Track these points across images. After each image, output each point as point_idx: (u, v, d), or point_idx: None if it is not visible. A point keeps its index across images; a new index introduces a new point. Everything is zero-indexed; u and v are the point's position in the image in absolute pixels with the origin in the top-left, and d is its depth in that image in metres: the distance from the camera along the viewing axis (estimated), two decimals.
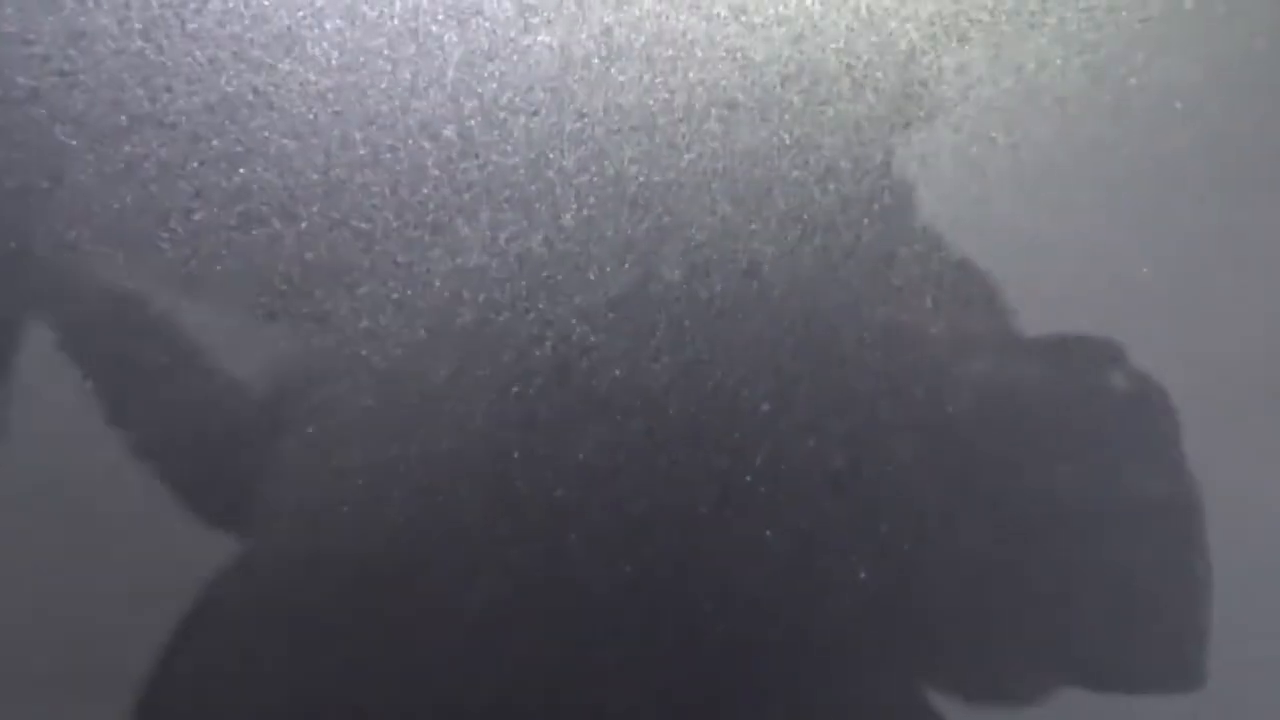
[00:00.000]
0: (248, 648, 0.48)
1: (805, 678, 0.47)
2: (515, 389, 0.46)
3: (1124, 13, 0.47)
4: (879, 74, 0.47)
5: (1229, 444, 0.48)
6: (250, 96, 0.48)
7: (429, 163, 0.48)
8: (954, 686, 0.49)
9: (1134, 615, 0.49)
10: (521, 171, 0.47)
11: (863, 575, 0.47)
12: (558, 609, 0.47)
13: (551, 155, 0.47)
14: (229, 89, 0.48)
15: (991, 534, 0.47)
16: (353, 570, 0.47)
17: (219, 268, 0.47)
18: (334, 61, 0.48)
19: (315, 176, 0.48)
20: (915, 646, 0.48)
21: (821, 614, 0.47)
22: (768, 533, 0.47)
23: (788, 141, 0.47)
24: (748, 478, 0.45)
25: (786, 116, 0.47)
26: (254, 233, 0.48)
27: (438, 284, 0.47)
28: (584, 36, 0.48)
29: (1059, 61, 0.48)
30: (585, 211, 0.47)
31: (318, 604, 0.46)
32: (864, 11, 0.48)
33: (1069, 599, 0.48)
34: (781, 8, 0.47)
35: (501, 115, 0.47)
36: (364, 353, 0.47)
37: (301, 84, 0.48)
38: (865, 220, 0.46)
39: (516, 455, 0.46)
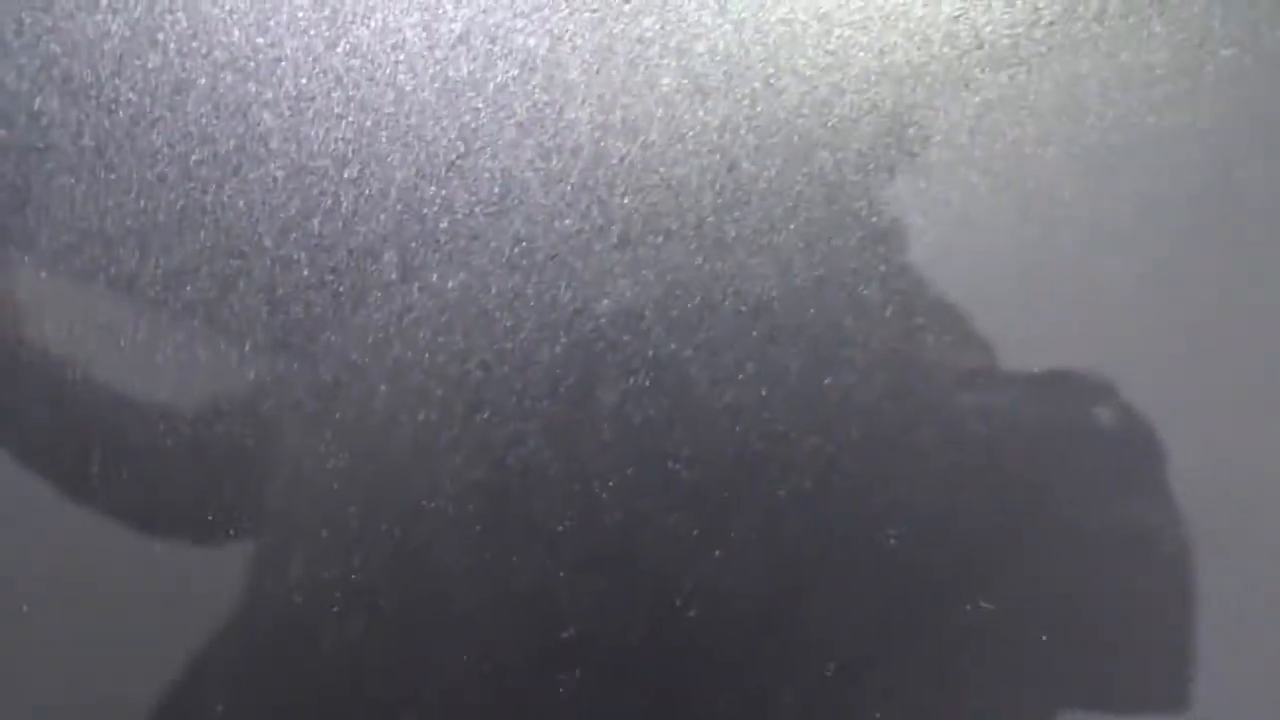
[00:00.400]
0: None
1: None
2: (450, 510, 0.47)
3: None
4: (811, 207, 0.48)
5: (1218, 474, 0.50)
6: (197, 215, 0.49)
7: (370, 285, 0.49)
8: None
9: (1121, 643, 0.51)
10: (459, 296, 0.48)
11: (848, 626, 0.48)
12: None
13: (490, 279, 0.48)
14: (176, 207, 0.49)
15: (977, 565, 0.49)
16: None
17: (160, 385, 0.49)
18: (279, 182, 0.49)
19: (260, 295, 0.49)
20: (904, 679, 0.49)
21: (805, 659, 0.48)
22: (708, 653, 0.48)
23: (721, 269, 0.48)
24: (677, 601, 0.46)
25: (720, 244, 0.48)
26: (199, 350, 0.49)
27: (377, 405, 0.48)
28: (523, 161, 0.49)
29: (988, 192, 0.49)
30: (521, 335, 0.48)
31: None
32: (796, 140, 0.49)
33: (1057, 628, 0.50)
34: (716, 137, 0.49)
35: (441, 239, 0.49)
36: (303, 471, 0.48)
37: (246, 204, 0.49)
38: (794, 349, 0.47)
39: (453, 578, 0.47)
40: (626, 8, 0.50)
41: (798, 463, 0.47)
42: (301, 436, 0.48)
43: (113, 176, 0.50)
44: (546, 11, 0.50)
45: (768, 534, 0.48)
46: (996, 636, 0.49)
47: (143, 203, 0.49)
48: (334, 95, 0.50)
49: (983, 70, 0.50)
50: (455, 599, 0.48)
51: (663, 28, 0.50)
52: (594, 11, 0.50)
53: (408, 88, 0.49)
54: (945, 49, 0.50)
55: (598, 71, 0.49)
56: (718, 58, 0.49)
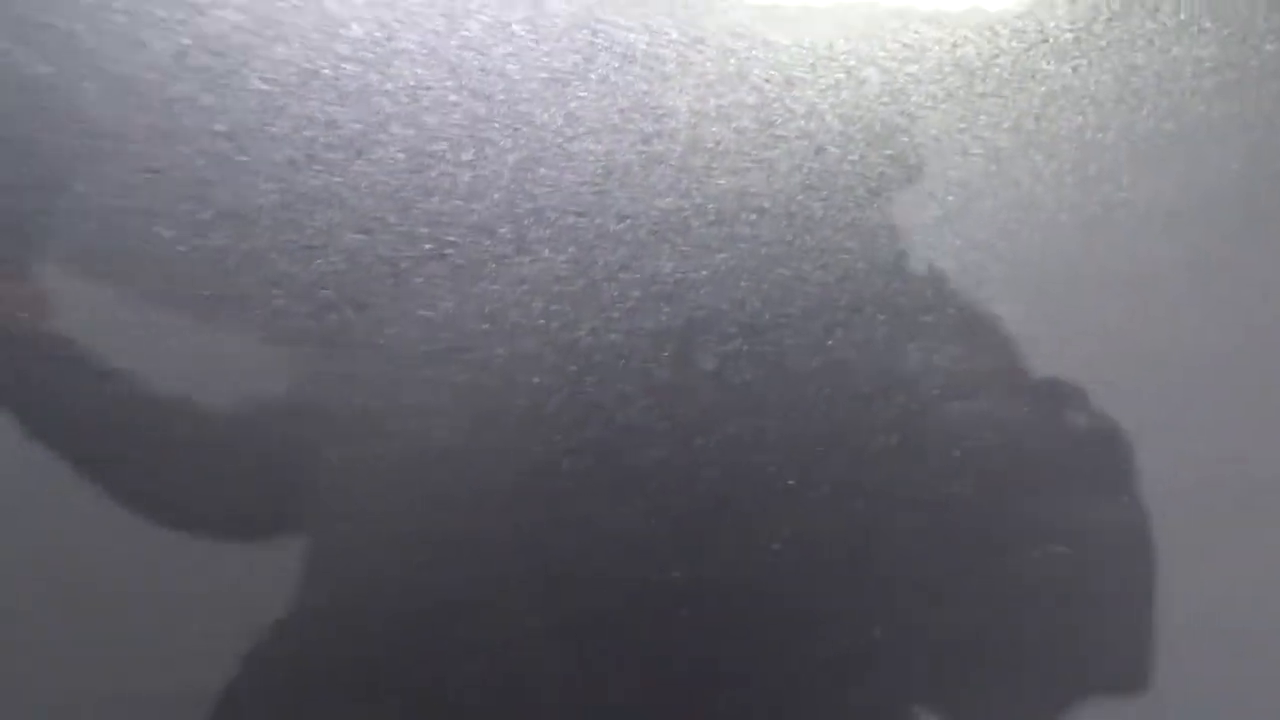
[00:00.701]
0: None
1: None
2: (565, 464, 0.52)
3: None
4: (891, 185, 0.53)
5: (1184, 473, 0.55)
6: (324, 194, 0.54)
7: (486, 258, 0.53)
8: (943, 705, 0.56)
9: (1094, 627, 0.56)
10: (570, 267, 0.53)
11: (863, 605, 0.53)
12: (582, 684, 0.53)
13: (597, 253, 0.53)
14: (305, 187, 0.54)
15: (966, 559, 0.54)
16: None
17: (294, 352, 0.53)
18: (400, 164, 0.54)
19: (384, 269, 0.53)
20: (908, 668, 0.54)
21: (822, 646, 0.53)
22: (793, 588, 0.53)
23: (810, 244, 0.52)
24: (775, 546, 0.51)
25: (809, 221, 0.53)
26: (329, 319, 0.53)
27: (496, 369, 0.52)
28: (625, 145, 0.53)
29: (1051, 175, 0.53)
30: (627, 304, 0.52)
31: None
32: (878, 126, 0.53)
33: (1040, 615, 0.55)
34: (803, 123, 0.53)
35: (552, 215, 0.53)
36: (426, 430, 0.53)
37: (371, 184, 0.54)
38: (880, 317, 0.52)
39: (561, 530, 0.51)
40: (719, 3, 0.54)
41: (882, 423, 0.52)
42: (422, 398, 0.53)
43: (244, 159, 0.54)
44: (644, 7, 0.54)
45: (853, 486, 0.52)
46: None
47: (273, 184, 0.53)
48: (449, 84, 0.54)
49: (1047, 62, 0.54)
50: (566, 546, 0.52)
51: (752, 21, 0.54)
52: (688, 7, 0.54)
53: (517, 77, 0.54)
54: (1013, 43, 0.54)
55: (692, 62, 0.54)
56: (804, 49, 0.54)
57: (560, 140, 0.53)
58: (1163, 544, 0.55)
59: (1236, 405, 0.56)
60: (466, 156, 0.53)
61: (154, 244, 0.53)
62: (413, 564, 0.52)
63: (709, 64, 0.54)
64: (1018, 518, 0.54)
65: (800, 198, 0.53)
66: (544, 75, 0.54)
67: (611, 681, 0.53)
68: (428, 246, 0.53)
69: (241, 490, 0.54)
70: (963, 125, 0.53)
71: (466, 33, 0.54)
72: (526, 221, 0.53)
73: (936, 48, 0.54)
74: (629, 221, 0.52)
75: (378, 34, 0.54)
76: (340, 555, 0.53)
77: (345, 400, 0.53)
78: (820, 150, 0.53)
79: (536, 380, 0.52)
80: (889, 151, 0.53)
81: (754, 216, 0.52)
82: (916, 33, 0.54)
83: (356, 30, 0.54)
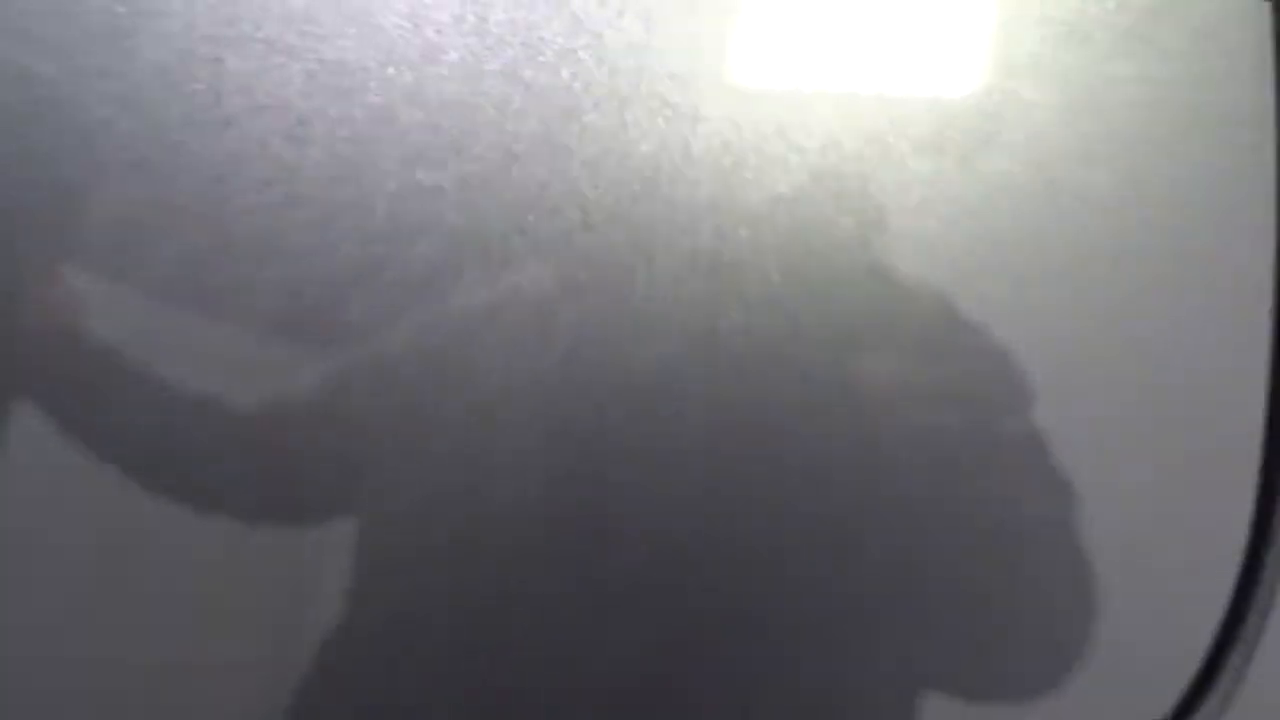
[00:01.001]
0: None
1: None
2: (611, 414, 0.65)
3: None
4: (886, 176, 0.66)
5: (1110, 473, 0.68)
6: (430, 186, 0.67)
7: (558, 234, 0.67)
8: (906, 682, 0.69)
9: (1032, 610, 0.69)
10: (626, 243, 0.66)
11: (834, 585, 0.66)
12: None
13: (647, 231, 0.66)
14: (414, 181, 0.67)
15: (921, 550, 0.67)
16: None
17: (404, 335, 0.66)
18: (491, 162, 0.67)
19: (477, 244, 0.67)
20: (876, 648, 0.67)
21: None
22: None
23: (817, 227, 0.66)
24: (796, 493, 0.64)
25: (818, 208, 0.66)
26: (433, 286, 0.67)
27: (565, 338, 0.66)
28: (671, 146, 0.67)
29: (1007, 172, 0.67)
30: (672, 280, 0.66)
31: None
32: (874, 130, 0.67)
33: (989, 599, 0.68)
34: (818, 130, 0.67)
35: (610, 201, 0.66)
36: (506, 389, 0.66)
37: (466, 177, 0.67)
38: (877, 284, 0.65)
39: (607, 486, 0.65)
40: (751, 36, 0.68)
41: (887, 382, 0.65)
42: (505, 351, 0.66)
43: (363, 159, 0.67)
44: (689, 36, 0.68)
45: (859, 433, 0.66)
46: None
47: (388, 179, 0.67)
48: (528, 99, 0.68)
49: (1005, 81, 0.68)
50: (601, 497, 0.65)
51: (779, 50, 0.68)
52: (725, 39, 0.68)
53: (581, 93, 0.67)
54: (978, 66, 0.68)
55: (732, 84, 0.68)
56: (823, 74, 0.68)
57: (618, 143, 0.67)
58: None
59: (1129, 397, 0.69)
60: (542, 156, 0.67)
61: (293, 229, 0.66)
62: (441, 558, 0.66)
63: (744, 84, 0.67)
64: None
65: (811, 188, 0.66)
66: (604, 92, 0.67)
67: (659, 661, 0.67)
68: (511, 224, 0.66)
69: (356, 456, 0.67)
70: (944, 129, 0.67)
71: (542, 58, 0.68)
72: (591, 206, 0.66)
73: (933, 73, 0.68)
74: (674, 205, 0.66)
75: (469, 59, 0.68)
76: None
77: (447, 352, 0.66)
78: (824, 150, 0.67)
79: (592, 336, 0.65)
80: (880, 147, 0.66)
81: (774, 204, 0.66)
82: (918, 60, 0.68)
83: (453, 55, 0.68)
